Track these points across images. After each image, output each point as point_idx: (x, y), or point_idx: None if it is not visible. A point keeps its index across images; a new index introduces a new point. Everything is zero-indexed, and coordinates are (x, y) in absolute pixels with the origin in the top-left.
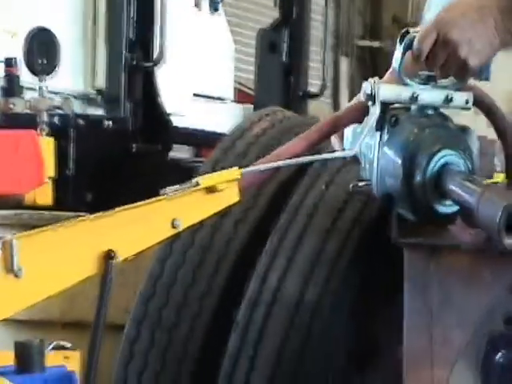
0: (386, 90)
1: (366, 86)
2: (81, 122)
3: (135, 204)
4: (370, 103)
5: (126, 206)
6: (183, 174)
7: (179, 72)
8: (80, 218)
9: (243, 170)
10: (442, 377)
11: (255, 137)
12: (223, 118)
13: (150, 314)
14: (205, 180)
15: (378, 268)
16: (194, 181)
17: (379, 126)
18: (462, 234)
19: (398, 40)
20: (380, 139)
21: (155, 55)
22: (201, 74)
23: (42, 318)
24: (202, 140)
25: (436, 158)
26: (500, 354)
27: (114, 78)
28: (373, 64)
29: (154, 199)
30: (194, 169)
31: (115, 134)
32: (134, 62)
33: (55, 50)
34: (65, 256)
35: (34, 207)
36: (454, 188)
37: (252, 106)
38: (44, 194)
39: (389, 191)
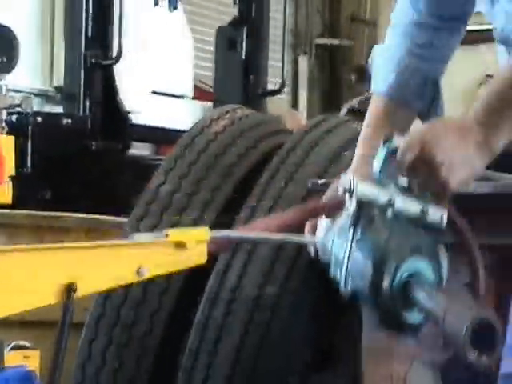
0: (365, 189)
1: (345, 181)
2: (39, 119)
3: (103, 243)
4: (346, 197)
5: (95, 244)
6: (142, 171)
7: (138, 69)
8: (46, 246)
9: (211, 234)
10: (401, 372)
11: (215, 134)
12: (182, 116)
13: (108, 313)
14: (174, 234)
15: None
16: (163, 232)
17: (353, 223)
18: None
19: (381, 143)
20: (352, 237)
21: (114, 53)
22: (160, 72)
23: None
24: (161, 137)
25: (405, 267)
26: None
27: (72, 75)
28: (331, 62)
29: (122, 242)
30: (153, 166)
31: (74, 132)
32: (93, 60)
33: (14, 47)
34: (24, 282)
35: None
36: (420, 299)
37: (211, 103)
38: (3, 193)
39: (356, 293)
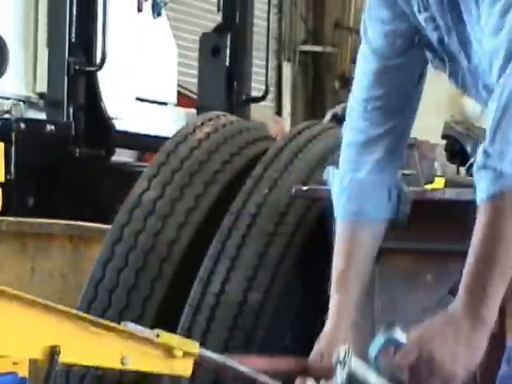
0: (358, 367)
1: (340, 351)
2: (22, 126)
3: (92, 319)
4: (338, 367)
5: (83, 317)
6: (126, 178)
7: (122, 76)
8: (35, 304)
9: (201, 352)
10: None
11: (198, 141)
12: (166, 122)
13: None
14: (165, 337)
15: (321, 271)
16: (155, 331)
17: None
18: None
19: (382, 329)
20: None
21: (97, 59)
22: (143, 78)
23: None
24: (144, 144)
25: None
26: None
27: (55, 82)
28: (315, 68)
29: (111, 325)
30: (137, 173)
31: (57, 139)
32: (77, 66)
33: (4, 54)
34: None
35: None
36: None
37: (195, 110)
38: None
39: None
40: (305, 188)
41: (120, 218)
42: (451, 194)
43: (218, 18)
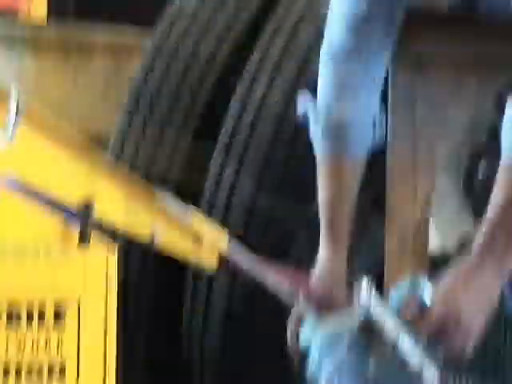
0: (377, 307)
1: (363, 285)
2: None
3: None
4: (356, 300)
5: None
6: None
7: None
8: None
9: (229, 247)
10: (425, 188)
11: None
12: None
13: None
14: (197, 221)
15: None
16: (190, 209)
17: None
18: None
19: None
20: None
21: None
22: None
23: None
24: None
25: None
26: (482, 165)
27: None
28: None
29: (147, 198)
30: None
31: None
32: None
33: None
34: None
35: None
36: None
37: None
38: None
39: None
40: None
41: (161, 29)
42: None
43: None
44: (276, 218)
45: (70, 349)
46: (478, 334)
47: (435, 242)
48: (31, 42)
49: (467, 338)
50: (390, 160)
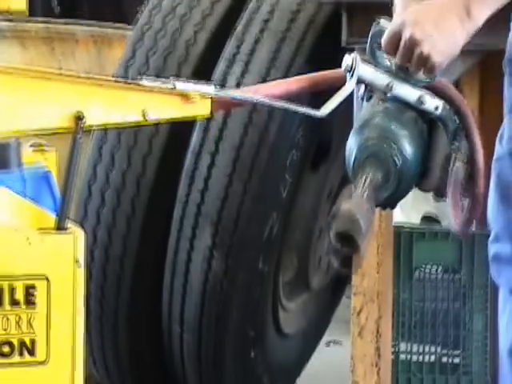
0: (365, 70)
1: (348, 59)
2: None
3: (112, 82)
4: (348, 75)
5: (104, 79)
6: None
7: None
8: (57, 74)
9: (216, 91)
10: None
11: None
12: None
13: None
14: (180, 86)
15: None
16: (171, 82)
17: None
18: None
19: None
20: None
21: None
22: None
23: None
24: None
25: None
26: None
27: None
28: None
29: (130, 85)
30: None
31: None
32: None
33: None
34: (42, 105)
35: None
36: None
37: None
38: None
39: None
40: None
41: (142, 20)
42: None
43: None
44: None
45: (39, 325)
46: (441, 52)
47: (400, 218)
48: (17, 33)
49: (429, 48)
50: None
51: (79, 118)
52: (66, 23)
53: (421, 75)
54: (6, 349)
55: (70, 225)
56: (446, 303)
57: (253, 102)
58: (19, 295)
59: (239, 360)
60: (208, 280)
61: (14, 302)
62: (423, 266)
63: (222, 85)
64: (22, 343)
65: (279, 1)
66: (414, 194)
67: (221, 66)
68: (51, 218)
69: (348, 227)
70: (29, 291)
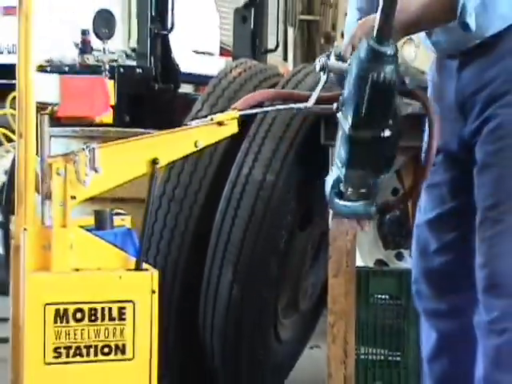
0: (333, 63)
1: (320, 61)
2: (122, 69)
3: (173, 130)
4: (321, 72)
5: (167, 131)
6: (187, 103)
7: (184, 36)
8: (139, 136)
9: (239, 113)
10: (353, 230)
11: (233, 77)
12: (213, 66)
13: (168, 192)
14: (217, 117)
15: (312, 160)
16: (208, 118)
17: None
18: None
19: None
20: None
21: (169, 26)
22: (198, 38)
23: (110, 195)
24: (199, 80)
25: None
26: (388, 215)
27: (142, 41)
28: (309, 30)
29: (184, 127)
30: (194, 99)
31: (143, 77)
32: (155, 31)
33: (112, 23)
34: (127, 160)
35: (101, 125)
36: None
37: (231, 58)
38: (109, 116)
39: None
40: (302, 106)
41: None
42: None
43: None
44: None
45: (128, 334)
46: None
47: (360, 262)
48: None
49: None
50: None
51: (155, 162)
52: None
53: None
54: (106, 350)
55: (145, 265)
56: (391, 320)
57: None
58: (115, 314)
59: (252, 356)
60: (230, 304)
61: (111, 318)
62: (376, 294)
63: (239, 170)
64: (117, 346)
65: (277, 114)
66: (370, 245)
67: (238, 159)
68: (133, 260)
69: None
70: (121, 311)
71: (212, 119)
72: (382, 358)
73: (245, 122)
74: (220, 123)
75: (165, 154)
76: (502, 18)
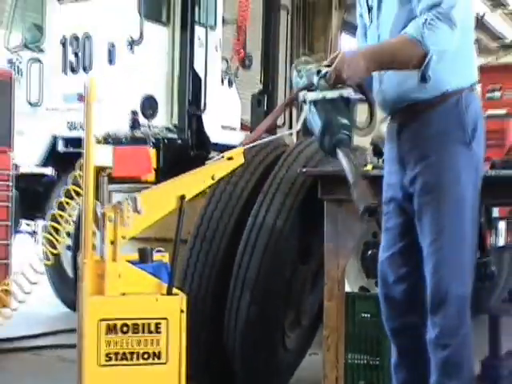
0: (312, 94)
1: (302, 95)
2: (166, 141)
3: (195, 170)
4: (303, 104)
5: (191, 172)
6: None
7: (214, 116)
8: (169, 180)
9: (243, 148)
10: (342, 264)
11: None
12: (235, 138)
13: (200, 234)
14: (226, 154)
15: (311, 210)
16: (220, 155)
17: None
18: None
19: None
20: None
21: (202, 107)
22: (224, 117)
23: (148, 236)
24: (224, 149)
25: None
26: (369, 252)
27: (181, 119)
28: None
29: (202, 167)
30: None
31: (183, 147)
32: (191, 111)
33: (156, 106)
34: (161, 199)
35: (146, 182)
36: (341, 157)
37: (249, 132)
38: (152, 176)
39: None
40: (304, 170)
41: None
42: (375, 172)
43: (260, 86)
44: None
45: (163, 343)
46: (354, 80)
47: (348, 288)
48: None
49: (349, 73)
50: (325, 246)
51: (182, 197)
52: None
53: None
54: (145, 356)
55: (175, 290)
56: (372, 333)
57: (262, 144)
58: (152, 328)
59: (265, 360)
60: (248, 320)
61: (149, 331)
62: (360, 313)
63: (255, 218)
64: (154, 353)
65: (285, 175)
66: (355, 275)
67: (253, 210)
68: (166, 286)
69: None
70: (157, 326)
71: (223, 156)
72: (365, 362)
73: (259, 180)
74: (229, 158)
75: (190, 190)
76: (442, 82)
